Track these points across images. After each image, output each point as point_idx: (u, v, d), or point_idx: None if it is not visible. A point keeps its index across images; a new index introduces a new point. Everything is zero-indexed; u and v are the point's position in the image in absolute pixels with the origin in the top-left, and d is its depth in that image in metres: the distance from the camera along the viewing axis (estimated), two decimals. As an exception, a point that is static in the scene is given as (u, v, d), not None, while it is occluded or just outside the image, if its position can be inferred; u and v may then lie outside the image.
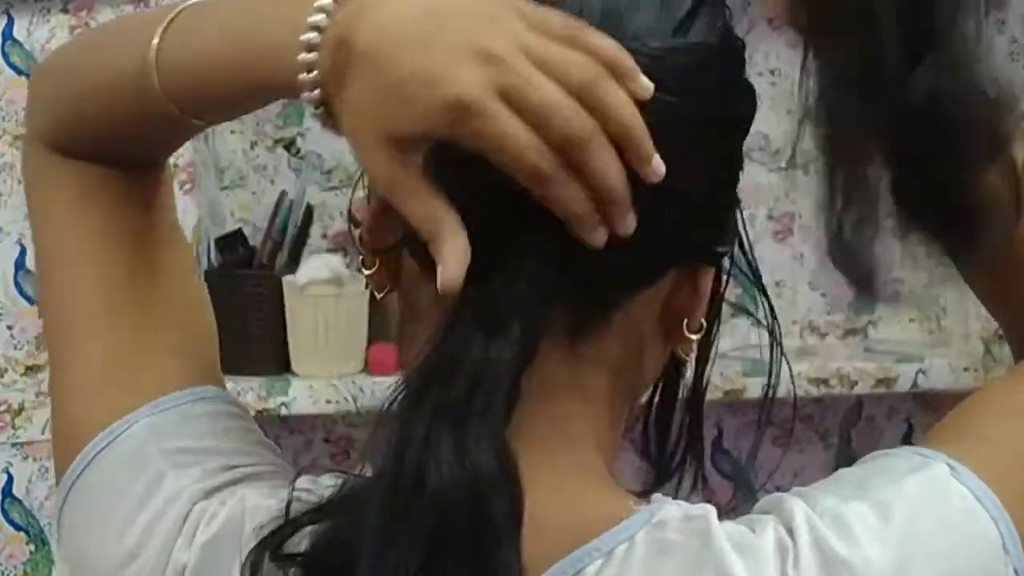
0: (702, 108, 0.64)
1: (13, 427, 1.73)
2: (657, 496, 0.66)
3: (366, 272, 0.68)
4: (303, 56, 0.60)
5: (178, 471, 0.69)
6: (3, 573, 1.75)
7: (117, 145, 0.74)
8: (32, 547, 1.76)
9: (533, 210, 0.60)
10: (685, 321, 0.68)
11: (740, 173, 0.70)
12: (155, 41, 0.67)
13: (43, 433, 1.73)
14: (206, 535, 0.66)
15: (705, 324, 0.69)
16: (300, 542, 0.62)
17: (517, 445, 0.59)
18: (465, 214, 0.59)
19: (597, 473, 0.67)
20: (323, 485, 0.66)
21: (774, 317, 0.73)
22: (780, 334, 0.74)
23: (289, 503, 0.64)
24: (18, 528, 1.76)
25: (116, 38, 0.76)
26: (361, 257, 0.69)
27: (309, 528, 0.62)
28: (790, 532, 0.63)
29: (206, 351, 0.80)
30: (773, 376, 0.75)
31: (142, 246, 0.76)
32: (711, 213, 0.67)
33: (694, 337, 0.68)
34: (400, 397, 0.60)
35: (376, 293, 0.70)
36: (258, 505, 0.67)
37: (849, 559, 0.62)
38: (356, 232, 0.68)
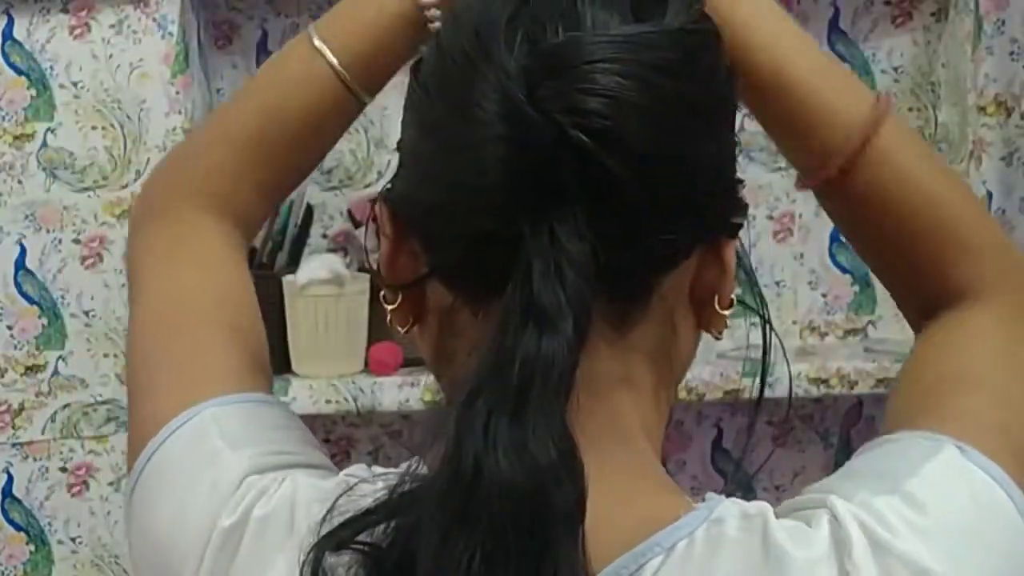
0: (703, 83, 0.66)
1: (13, 427, 1.73)
2: (710, 494, 0.67)
3: (388, 307, 0.70)
4: None
5: (232, 450, 0.71)
6: (3, 573, 1.75)
7: (277, 156, 0.86)
8: (32, 547, 1.76)
9: (568, 198, 0.61)
10: (716, 297, 0.68)
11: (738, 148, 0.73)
12: (315, 41, 0.84)
13: (43, 433, 1.74)
14: (262, 510, 0.68)
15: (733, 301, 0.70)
16: (360, 537, 0.63)
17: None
18: (503, 208, 0.61)
19: (651, 466, 0.68)
20: (376, 474, 0.68)
21: (765, 306, 0.74)
22: (772, 326, 0.74)
23: (346, 490, 0.66)
24: (18, 528, 1.76)
25: (263, 76, 0.90)
26: (382, 294, 0.70)
27: (370, 522, 0.62)
28: (840, 524, 0.63)
29: (265, 360, 0.84)
30: (768, 369, 0.75)
31: (231, 285, 0.84)
32: (726, 185, 0.69)
33: (727, 313, 0.69)
34: (455, 398, 0.61)
35: (399, 329, 0.72)
36: (311, 487, 0.68)
37: (899, 550, 0.62)
38: (374, 264, 0.72)
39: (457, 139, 0.63)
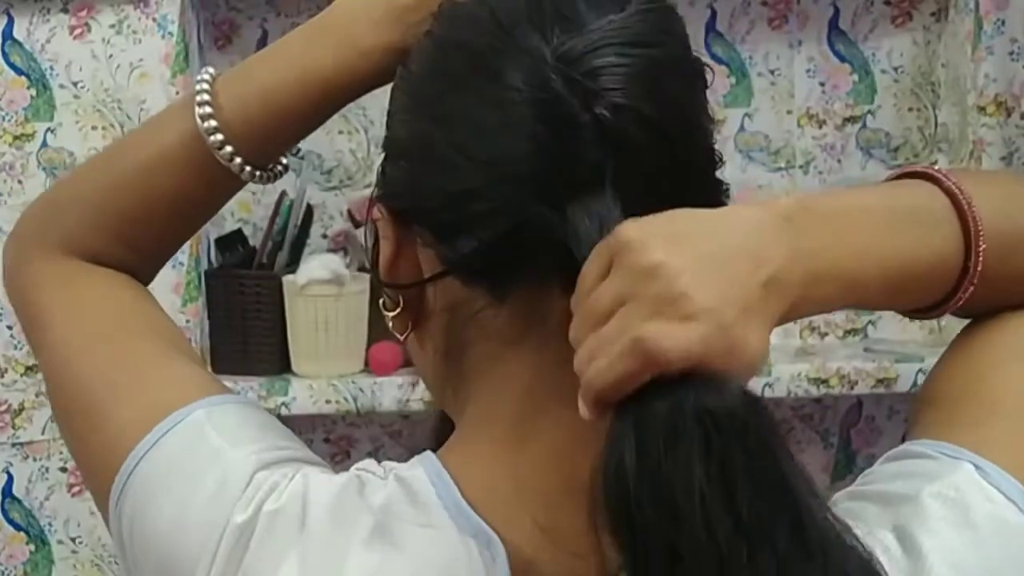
0: (681, 55, 0.68)
1: (13, 427, 1.73)
2: None
3: (388, 314, 0.70)
4: None
5: (235, 447, 0.71)
6: (3, 573, 1.75)
7: (142, 232, 0.81)
8: (32, 547, 1.76)
9: (599, 175, 0.62)
10: None
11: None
12: (199, 110, 0.77)
13: (43, 433, 1.73)
14: (273, 505, 0.67)
15: None
16: None
17: None
18: (541, 189, 0.63)
19: None
20: (388, 468, 0.68)
21: None
22: None
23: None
24: (18, 528, 1.76)
25: (137, 136, 0.85)
26: (382, 300, 0.70)
27: None
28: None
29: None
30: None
31: (153, 311, 0.82)
32: (716, 161, 0.69)
33: None
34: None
35: (398, 335, 0.72)
36: (323, 483, 0.68)
37: (931, 550, 0.62)
38: (376, 271, 0.71)
39: (489, 123, 0.64)
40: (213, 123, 0.77)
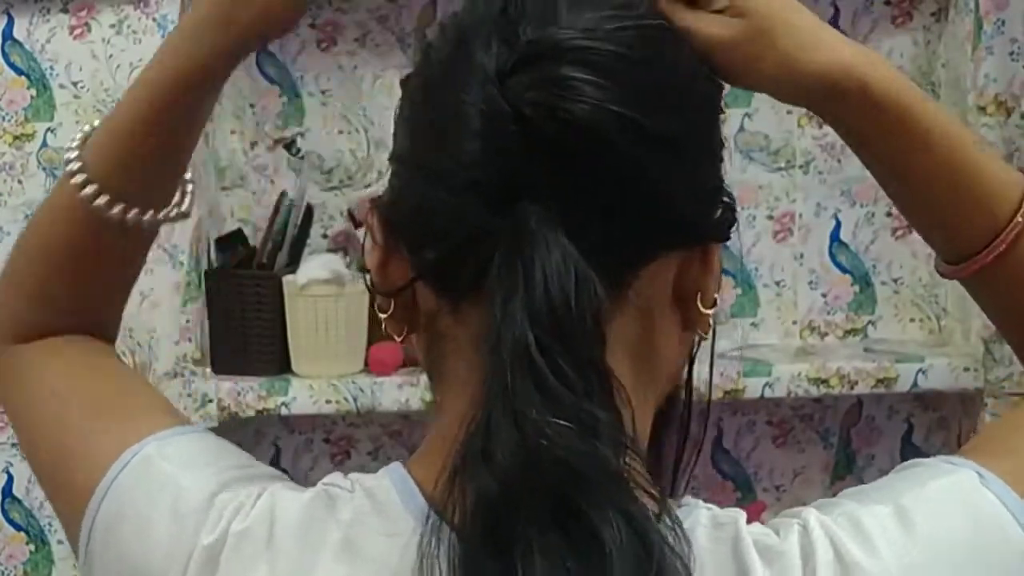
0: (668, 75, 0.67)
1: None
2: (687, 499, 0.67)
3: (383, 316, 0.71)
4: None
5: (187, 472, 0.71)
6: (3, 573, 1.75)
7: (66, 294, 0.81)
8: (32, 547, 1.76)
9: (542, 190, 0.62)
10: (699, 296, 0.68)
11: (723, 151, 0.71)
12: (71, 167, 0.77)
13: (43, 433, 1.73)
14: (240, 525, 0.67)
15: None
16: None
17: None
18: (482, 203, 0.63)
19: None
20: (355, 481, 0.68)
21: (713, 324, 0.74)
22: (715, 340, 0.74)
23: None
24: (18, 528, 1.76)
25: (38, 209, 0.83)
26: (376, 303, 0.70)
27: None
28: (810, 537, 0.63)
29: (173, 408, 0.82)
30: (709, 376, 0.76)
31: (99, 360, 0.82)
32: (703, 184, 0.68)
33: (710, 312, 0.69)
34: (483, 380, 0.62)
35: (395, 337, 0.72)
36: (290, 500, 0.68)
37: (866, 565, 0.62)
38: (369, 279, 0.72)
39: (442, 139, 0.65)
40: (77, 164, 0.77)
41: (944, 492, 0.66)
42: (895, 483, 0.68)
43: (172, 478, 0.70)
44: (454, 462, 0.61)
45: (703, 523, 0.64)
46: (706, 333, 0.70)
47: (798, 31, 0.70)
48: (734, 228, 0.70)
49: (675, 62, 0.68)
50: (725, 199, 0.69)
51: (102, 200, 0.77)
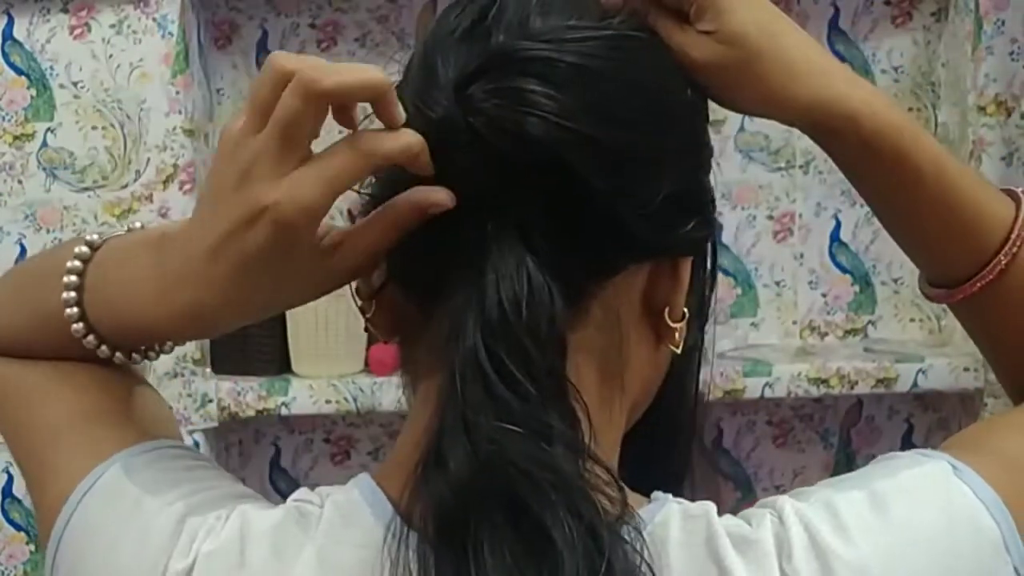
0: (636, 89, 0.66)
1: (13, 427, 1.73)
2: (657, 494, 0.67)
3: (365, 316, 0.71)
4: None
5: (153, 495, 0.69)
6: (3, 573, 1.75)
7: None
8: (32, 547, 1.76)
9: (500, 201, 0.63)
10: (667, 309, 0.68)
11: (709, 159, 0.71)
12: (65, 294, 0.71)
13: (43, 433, 1.74)
14: (210, 546, 0.66)
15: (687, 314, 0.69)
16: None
17: None
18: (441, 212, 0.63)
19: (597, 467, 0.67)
20: (324, 495, 0.67)
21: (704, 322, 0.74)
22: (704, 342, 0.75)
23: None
24: (18, 528, 1.76)
25: (29, 279, 0.78)
26: (359, 305, 0.71)
27: None
28: (784, 525, 0.64)
29: (162, 408, 0.80)
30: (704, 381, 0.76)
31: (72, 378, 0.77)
32: (672, 197, 0.67)
33: (676, 325, 0.69)
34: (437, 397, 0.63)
35: (382, 339, 0.72)
36: (260, 519, 0.67)
37: (841, 551, 0.62)
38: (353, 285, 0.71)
39: None
40: (74, 309, 0.72)
41: (917, 479, 0.66)
42: (870, 472, 0.68)
43: (138, 503, 0.69)
44: (416, 470, 0.62)
45: (675, 516, 0.64)
46: (676, 347, 0.69)
47: (789, 62, 0.68)
48: (709, 241, 0.70)
49: (643, 74, 0.67)
50: (701, 212, 0.69)
51: (91, 340, 0.73)
